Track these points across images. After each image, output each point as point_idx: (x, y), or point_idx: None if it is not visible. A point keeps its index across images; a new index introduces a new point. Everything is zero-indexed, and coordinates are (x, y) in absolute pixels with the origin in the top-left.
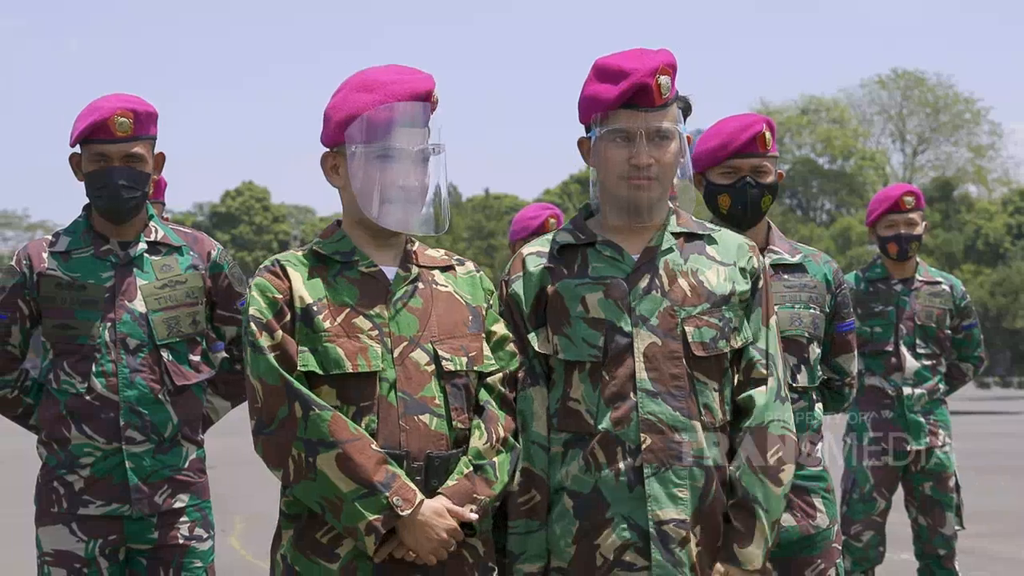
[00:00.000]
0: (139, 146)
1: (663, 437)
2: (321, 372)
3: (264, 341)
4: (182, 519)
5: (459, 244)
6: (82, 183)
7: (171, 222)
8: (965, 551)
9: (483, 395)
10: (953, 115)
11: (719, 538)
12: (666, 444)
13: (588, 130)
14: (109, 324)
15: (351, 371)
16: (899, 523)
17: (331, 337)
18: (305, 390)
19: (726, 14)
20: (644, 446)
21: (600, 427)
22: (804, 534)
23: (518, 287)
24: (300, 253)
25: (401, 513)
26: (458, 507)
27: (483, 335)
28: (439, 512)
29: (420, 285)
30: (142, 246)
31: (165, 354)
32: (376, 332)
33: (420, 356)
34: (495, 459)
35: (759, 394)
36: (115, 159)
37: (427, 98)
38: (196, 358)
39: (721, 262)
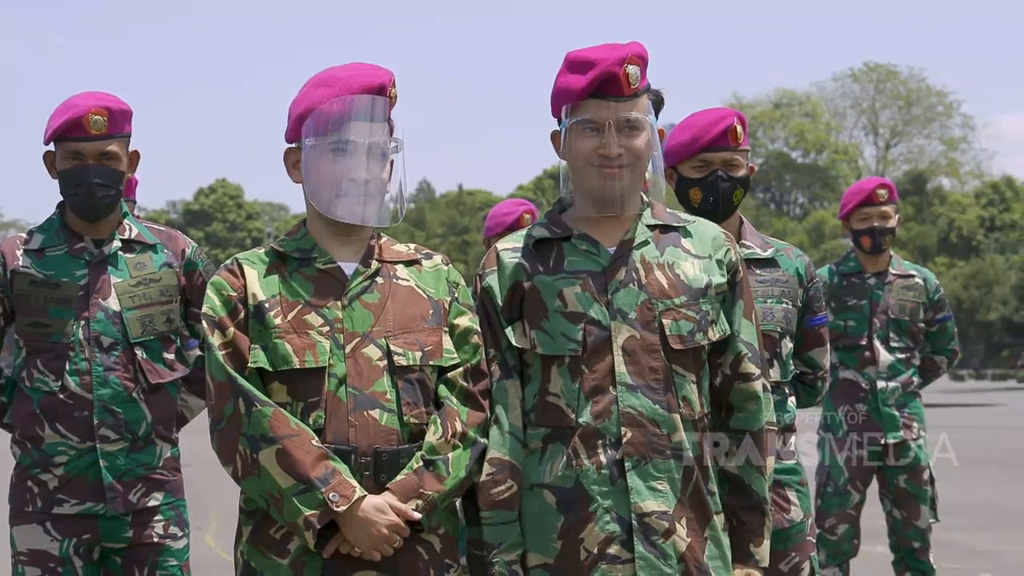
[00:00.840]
0: (113, 144)
1: (643, 431)
2: (271, 368)
3: (215, 339)
4: (156, 517)
5: (433, 240)
6: (56, 181)
7: (144, 220)
8: (940, 543)
9: (442, 391)
10: (926, 108)
11: (705, 529)
12: (646, 437)
13: (560, 123)
14: (83, 322)
15: (299, 367)
16: (874, 516)
17: (281, 334)
18: (249, 386)
19: (698, 8)
20: (625, 439)
21: (580, 421)
22: (778, 528)
23: (492, 280)
24: (262, 251)
25: (336, 509)
26: (401, 504)
27: (444, 329)
28: (380, 508)
29: (379, 280)
30: (116, 244)
31: (139, 352)
32: (327, 328)
33: (372, 351)
34: (449, 454)
35: (751, 393)
36: (89, 157)
37: (381, 92)
38: (170, 356)
39: (696, 255)
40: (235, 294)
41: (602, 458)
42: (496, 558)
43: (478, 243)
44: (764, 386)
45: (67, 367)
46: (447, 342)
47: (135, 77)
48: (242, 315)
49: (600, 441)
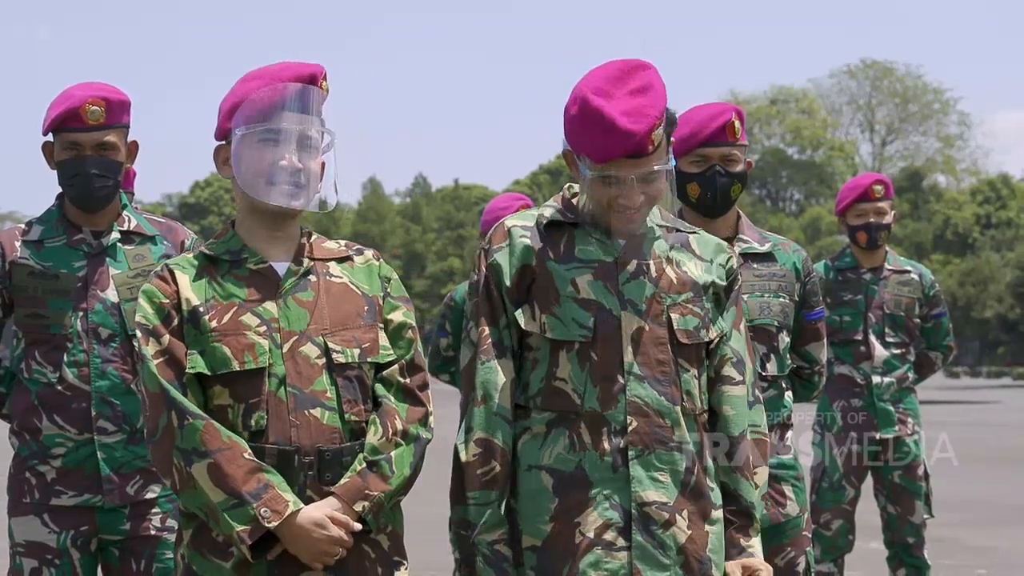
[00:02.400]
0: (112, 135)
1: (648, 421)
2: (210, 372)
3: (148, 348)
4: (154, 510)
5: (428, 235)
6: (54, 172)
7: (144, 211)
8: (934, 540)
9: (379, 390)
10: (922, 105)
11: (706, 523)
12: (651, 428)
13: (574, 154)
14: (81, 313)
15: (238, 369)
16: (868, 511)
17: (218, 337)
18: (181, 398)
19: (695, 4)
20: (630, 428)
21: (587, 407)
22: (774, 522)
23: (501, 258)
24: (191, 255)
25: (267, 525)
26: (341, 514)
27: (379, 325)
28: (319, 523)
29: (312, 278)
30: (115, 235)
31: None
32: (264, 328)
33: (310, 350)
34: (392, 453)
35: (732, 399)
36: (87, 148)
37: (312, 82)
38: None
39: (700, 256)
40: (168, 300)
41: (606, 445)
42: (478, 537)
43: (474, 238)
44: (747, 395)
45: (65, 358)
46: (383, 339)
47: (129, 69)
48: (176, 321)
49: (605, 428)
